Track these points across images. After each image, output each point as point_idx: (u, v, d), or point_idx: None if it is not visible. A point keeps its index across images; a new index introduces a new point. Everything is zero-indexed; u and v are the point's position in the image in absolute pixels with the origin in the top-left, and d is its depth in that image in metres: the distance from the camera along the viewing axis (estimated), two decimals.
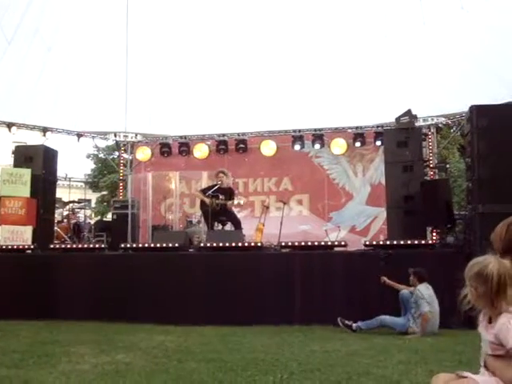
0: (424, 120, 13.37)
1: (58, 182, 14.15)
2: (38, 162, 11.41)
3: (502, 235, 2.42)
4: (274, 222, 11.20)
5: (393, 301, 7.81)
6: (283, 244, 9.41)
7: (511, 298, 2.28)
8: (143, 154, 15.43)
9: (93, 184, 31.11)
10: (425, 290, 7.50)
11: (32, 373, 4.88)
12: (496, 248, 2.39)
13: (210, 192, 10.59)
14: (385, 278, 7.87)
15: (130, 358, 5.64)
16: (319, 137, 14.35)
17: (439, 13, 11.82)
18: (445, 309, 7.47)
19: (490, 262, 2.28)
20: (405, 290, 7.72)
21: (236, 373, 4.91)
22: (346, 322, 7.73)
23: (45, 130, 14.45)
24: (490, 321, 2.37)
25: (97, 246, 10.43)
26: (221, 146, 14.92)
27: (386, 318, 7.60)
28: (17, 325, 8.15)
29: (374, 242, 9.64)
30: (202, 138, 15.31)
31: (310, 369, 5.07)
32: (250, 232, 11.18)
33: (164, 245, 9.39)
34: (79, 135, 15.09)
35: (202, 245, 9.65)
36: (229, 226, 10.94)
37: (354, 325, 7.66)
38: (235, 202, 10.91)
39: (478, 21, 11.21)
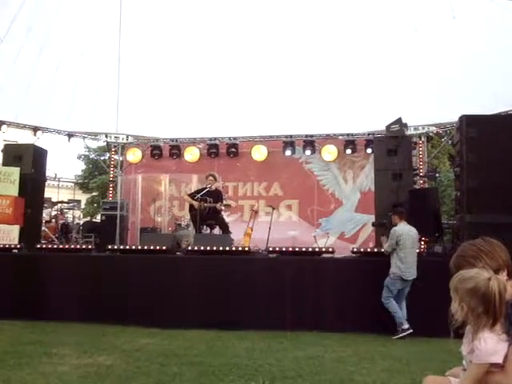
0: (415, 129, 13.40)
1: (48, 182, 14.08)
2: (28, 161, 11.34)
3: (458, 268, 2.35)
4: (262, 226, 11.19)
5: (381, 307, 7.84)
6: (271, 249, 9.37)
7: None
8: (134, 155, 15.40)
9: (83, 185, 30.98)
10: (398, 229, 7.98)
11: (11, 373, 4.84)
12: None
13: (198, 196, 10.56)
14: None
15: (111, 360, 5.60)
16: (310, 143, 14.38)
17: (431, 21, 11.87)
18: (431, 317, 7.48)
19: (488, 279, 2.14)
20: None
21: (218, 377, 4.89)
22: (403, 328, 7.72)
23: (35, 129, 14.39)
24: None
25: (84, 246, 10.36)
26: (212, 149, 14.91)
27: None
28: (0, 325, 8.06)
29: (362, 250, 9.63)
30: (194, 142, 15.30)
31: (292, 375, 5.05)
32: (239, 236, 11.16)
33: (152, 247, 9.34)
34: (70, 135, 15.03)
35: (189, 248, 9.62)
36: (217, 230, 10.90)
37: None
38: (224, 202, 10.89)
39: (469, 31, 11.26)
